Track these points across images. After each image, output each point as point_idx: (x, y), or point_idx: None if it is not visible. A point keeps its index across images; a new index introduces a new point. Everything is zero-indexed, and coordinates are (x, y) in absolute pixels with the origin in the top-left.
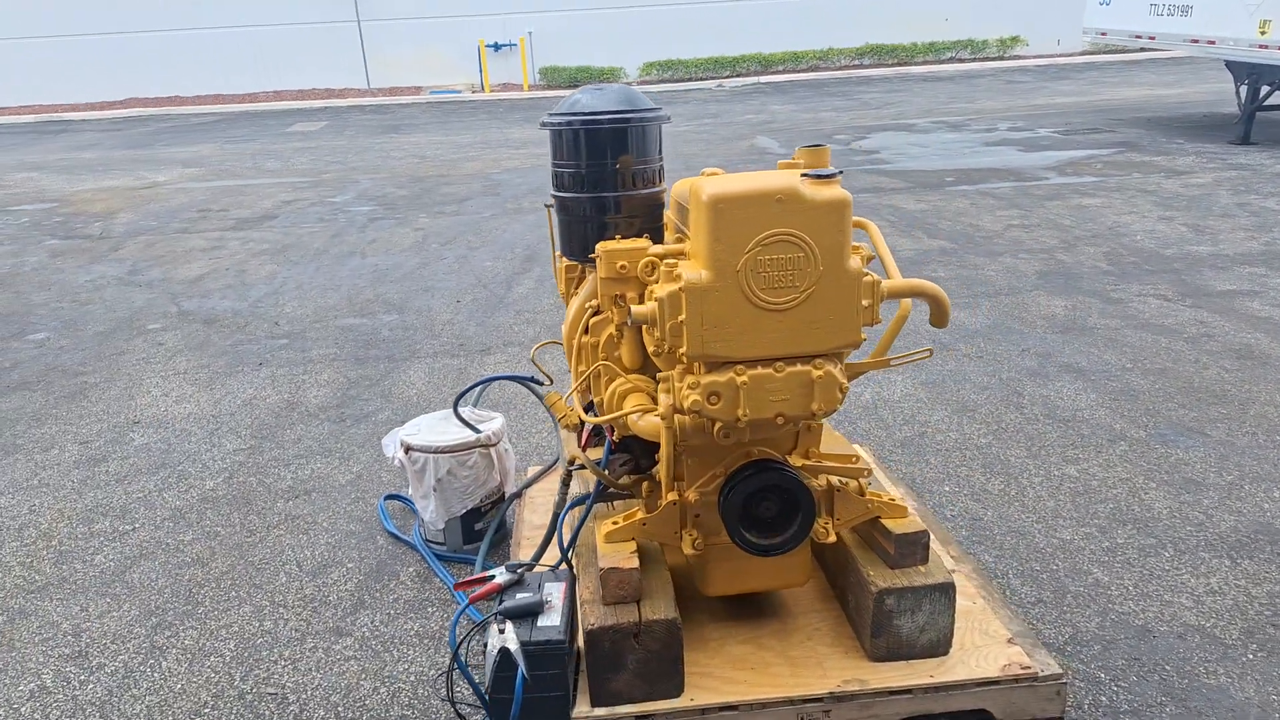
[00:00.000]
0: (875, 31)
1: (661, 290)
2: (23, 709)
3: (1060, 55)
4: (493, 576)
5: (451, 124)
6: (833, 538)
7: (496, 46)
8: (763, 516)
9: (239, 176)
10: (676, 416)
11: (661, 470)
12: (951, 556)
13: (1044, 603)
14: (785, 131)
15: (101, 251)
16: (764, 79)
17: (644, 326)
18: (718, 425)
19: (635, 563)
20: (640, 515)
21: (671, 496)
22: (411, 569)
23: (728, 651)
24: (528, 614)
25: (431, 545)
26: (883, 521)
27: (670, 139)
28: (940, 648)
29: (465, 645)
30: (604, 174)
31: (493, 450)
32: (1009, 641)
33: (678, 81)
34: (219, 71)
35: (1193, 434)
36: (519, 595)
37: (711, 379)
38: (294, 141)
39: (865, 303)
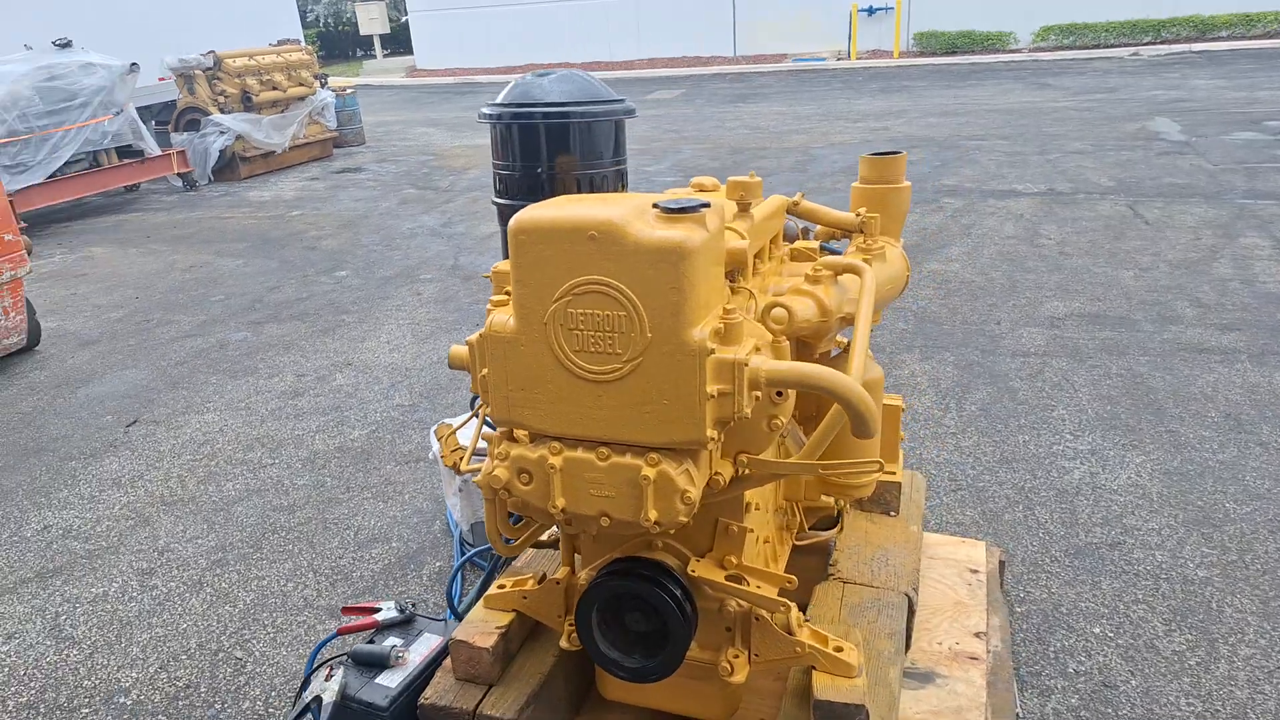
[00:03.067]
0: None
1: (478, 333)
2: (78, 609)
3: None
4: (379, 610)
5: (800, 94)
6: (740, 677)
7: (870, 11)
8: (633, 629)
9: None
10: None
11: (562, 542)
12: None
13: None
14: (1196, 113)
15: (435, 203)
16: (1197, 47)
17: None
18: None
19: (491, 640)
20: (530, 584)
21: (559, 575)
22: (439, 564)
23: None
24: (375, 665)
25: (470, 545)
26: (814, 678)
27: (1035, 117)
28: None
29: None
30: (536, 178)
31: None
32: None
33: (1080, 49)
34: (605, 40)
35: None
36: (386, 640)
37: (521, 453)
38: (646, 109)
39: (718, 389)
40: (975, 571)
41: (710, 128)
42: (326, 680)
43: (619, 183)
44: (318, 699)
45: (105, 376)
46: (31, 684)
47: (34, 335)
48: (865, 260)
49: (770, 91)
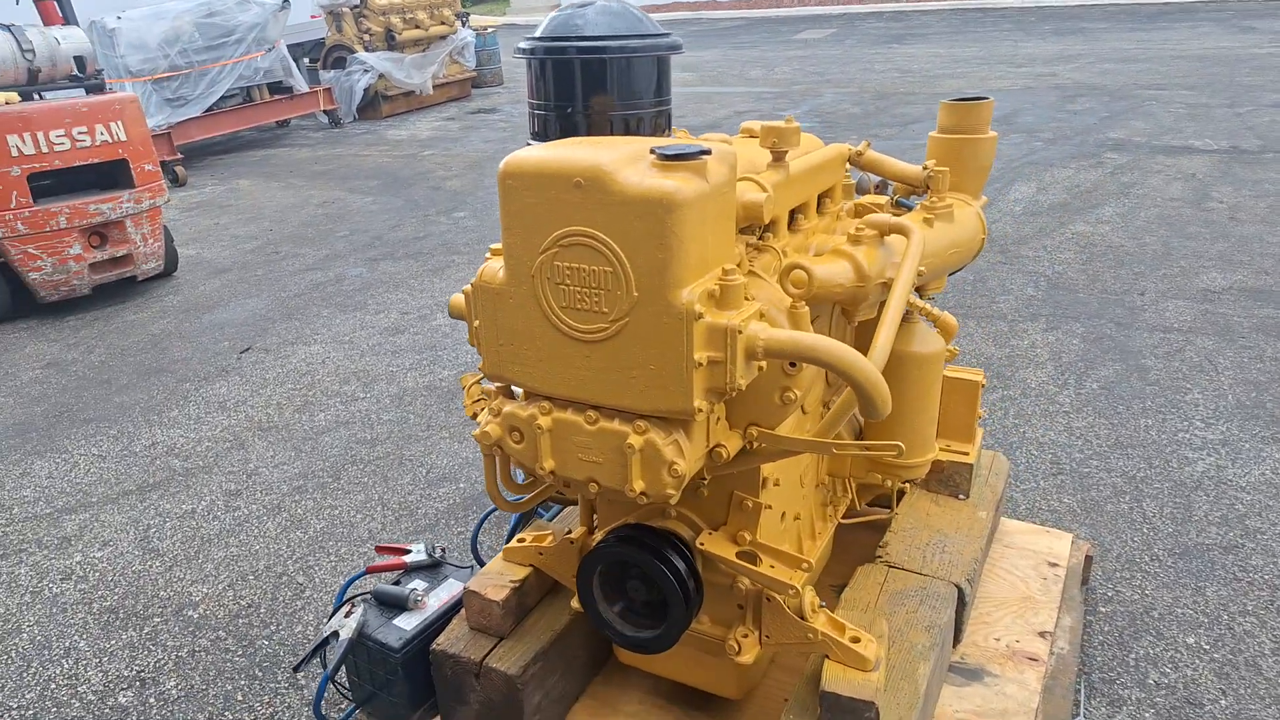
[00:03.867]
0: None
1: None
2: (167, 524)
3: None
4: (409, 551)
5: (963, 35)
6: (747, 657)
7: None
8: (634, 598)
9: (718, 84)
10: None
11: (581, 501)
12: None
13: None
14: None
15: None
16: None
17: None
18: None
19: (504, 594)
20: (549, 540)
21: (575, 534)
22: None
23: None
24: (395, 606)
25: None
26: (825, 667)
27: (1229, 65)
28: None
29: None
30: (569, 119)
31: None
32: None
33: None
34: None
35: None
36: (410, 583)
37: (512, 410)
38: (792, 50)
39: (707, 356)
40: (1054, 565)
41: (857, 70)
42: (346, 617)
43: (662, 126)
44: (335, 634)
45: (230, 304)
46: (116, 590)
47: (171, 261)
48: (927, 219)
49: (930, 32)
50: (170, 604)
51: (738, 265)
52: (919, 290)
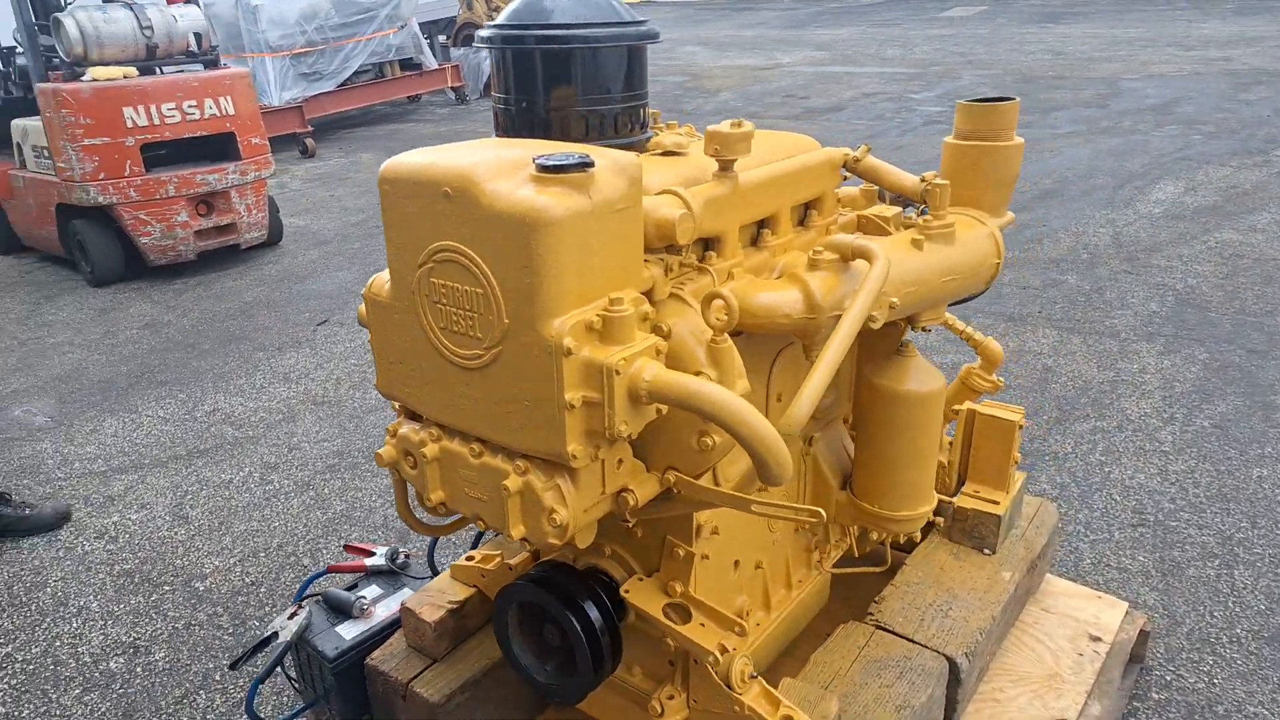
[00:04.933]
0: None
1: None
2: (203, 492)
3: None
4: (373, 554)
5: (1129, 13)
6: None
7: None
8: (550, 643)
9: (851, 63)
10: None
11: None
12: None
13: None
14: None
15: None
16: None
17: None
18: None
19: (439, 615)
20: (494, 563)
21: (517, 560)
22: None
23: None
24: (342, 612)
25: None
26: None
27: None
28: None
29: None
30: (530, 115)
31: None
32: None
33: None
34: None
35: None
36: (364, 590)
37: (406, 434)
38: (935, 28)
39: (582, 396)
40: (1096, 639)
41: (1004, 51)
42: (290, 619)
43: (636, 122)
44: (275, 635)
45: (322, 276)
46: (139, 554)
47: (275, 232)
48: (916, 240)
49: (1093, 9)
50: (182, 574)
51: (650, 291)
52: (910, 323)
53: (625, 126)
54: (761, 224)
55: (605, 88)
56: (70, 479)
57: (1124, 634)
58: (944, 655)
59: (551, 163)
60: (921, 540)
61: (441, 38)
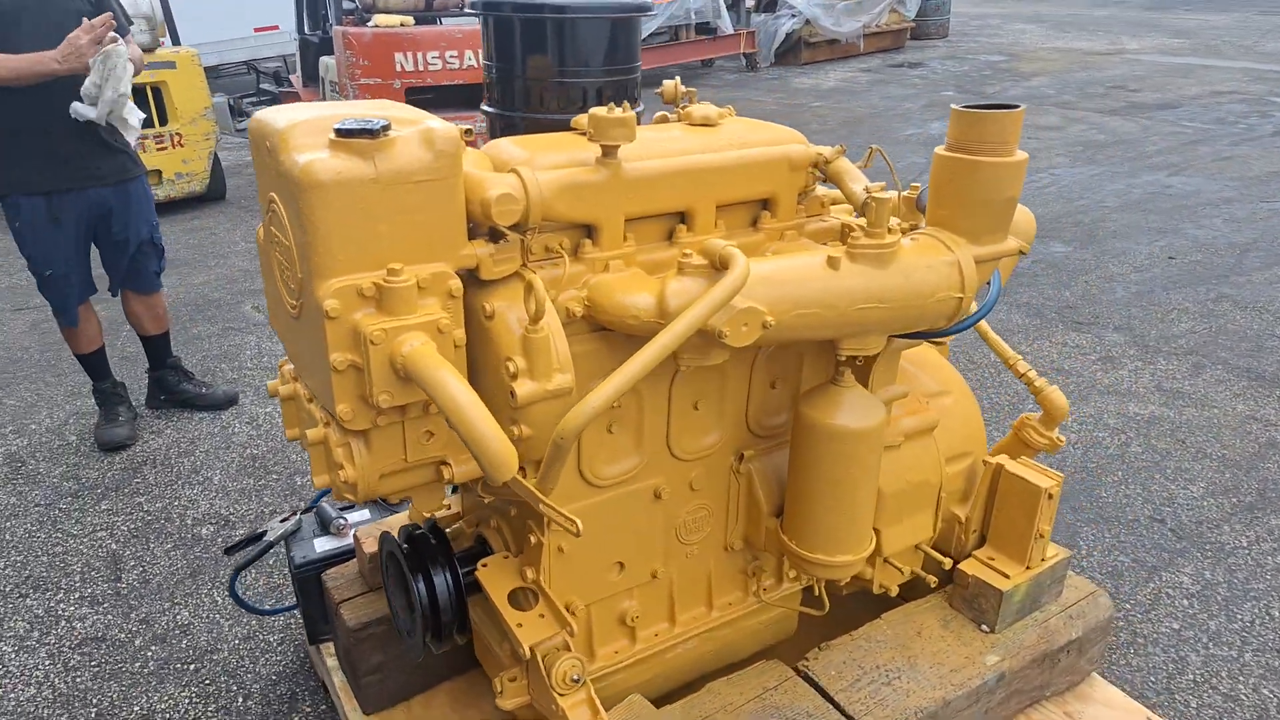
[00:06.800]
0: None
1: None
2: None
3: None
4: None
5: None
6: (508, 703)
7: None
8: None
9: (1213, 54)
10: None
11: None
12: None
13: None
14: None
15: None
16: None
17: None
18: None
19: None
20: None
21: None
22: None
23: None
24: (325, 526)
25: None
26: None
27: None
28: None
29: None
30: (510, 84)
31: None
32: None
33: None
34: None
35: None
36: (358, 512)
37: (281, 370)
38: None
39: (349, 360)
40: None
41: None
42: (282, 522)
43: (620, 98)
44: (265, 532)
45: None
46: (269, 444)
47: None
48: (833, 258)
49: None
50: (290, 468)
51: (477, 269)
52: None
53: (607, 100)
54: (682, 219)
55: (585, 60)
56: (257, 370)
57: None
58: None
59: (343, 126)
60: (924, 595)
61: (749, 2)
